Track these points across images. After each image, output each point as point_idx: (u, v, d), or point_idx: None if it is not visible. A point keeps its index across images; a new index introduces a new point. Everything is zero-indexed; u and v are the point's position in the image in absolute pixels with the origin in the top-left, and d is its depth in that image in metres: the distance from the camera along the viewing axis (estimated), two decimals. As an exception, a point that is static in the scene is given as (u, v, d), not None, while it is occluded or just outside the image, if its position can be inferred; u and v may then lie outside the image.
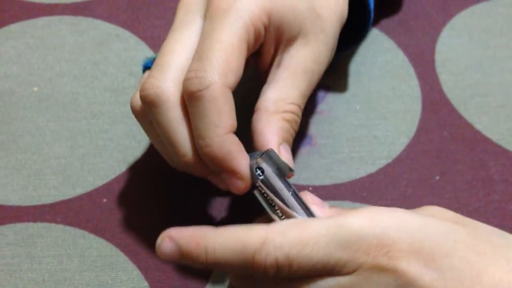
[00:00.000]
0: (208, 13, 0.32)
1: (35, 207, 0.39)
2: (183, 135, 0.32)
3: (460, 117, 0.44)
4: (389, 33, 0.48)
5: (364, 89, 0.45)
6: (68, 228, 0.38)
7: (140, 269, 0.37)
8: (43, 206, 0.39)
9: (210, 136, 0.30)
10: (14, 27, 0.48)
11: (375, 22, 0.49)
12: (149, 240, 0.38)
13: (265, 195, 0.31)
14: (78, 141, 0.42)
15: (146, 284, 0.36)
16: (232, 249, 0.28)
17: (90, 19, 0.49)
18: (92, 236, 0.38)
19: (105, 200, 0.40)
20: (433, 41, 0.48)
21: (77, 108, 0.44)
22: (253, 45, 0.33)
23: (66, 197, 0.40)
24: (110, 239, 0.38)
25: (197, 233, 0.29)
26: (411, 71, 0.46)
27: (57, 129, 0.43)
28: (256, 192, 0.31)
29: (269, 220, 0.31)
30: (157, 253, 0.29)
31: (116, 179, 0.41)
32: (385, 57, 0.47)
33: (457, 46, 0.48)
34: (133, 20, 0.49)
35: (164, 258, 0.29)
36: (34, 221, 0.39)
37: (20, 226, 0.38)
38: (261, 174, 0.31)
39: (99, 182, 0.40)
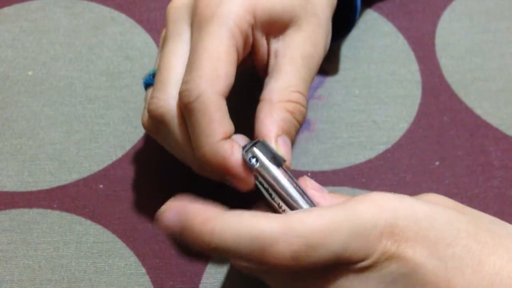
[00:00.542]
0: (194, 23, 0.33)
1: (30, 193, 0.39)
2: (188, 149, 0.33)
3: (460, 102, 0.43)
4: (388, 16, 0.48)
5: (363, 74, 0.45)
6: (64, 214, 0.38)
7: (137, 255, 0.37)
8: (39, 192, 0.39)
9: (203, 145, 0.31)
10: (8, 10, 0.48)
11: (375, 6, 0.48)
12: (146, 226, 0.38)
13: (262, 183, 0.31)
14: (74, 126, 0.42)
15: (143, 270, 0.36)
16: (245, 235, 0.27)
17: (85, 2, 0.48)
18: (88, 222, 0.38)
19: (101, 186, 0.39)
20: (434, 24, 0.47)
21: (72, 92, 0.43)
22: (244, 46, 0.33)
23: (62, 183, 0.39)
24: (106, 225, 0.38)
25: (206, 211, 0.28)
26: (411, 55, 0.46)
27: (52, 114, 0.42)
28: (256, 182, 0.31)
29: (269, 208, 0.31)
30: (157, 221, 0.29)
31: (113, 165, 0.40)
32: (385, 41, 0.46)
33: (457, 30, 0.47)
34: (129, 3, 0.48)
35: (162, 229, 0.28)
36: (30, 207, 0.38)
37: (15, 212, 0.38)
38: (255, 163, 0.31)
39: (96, 167, 0.40)
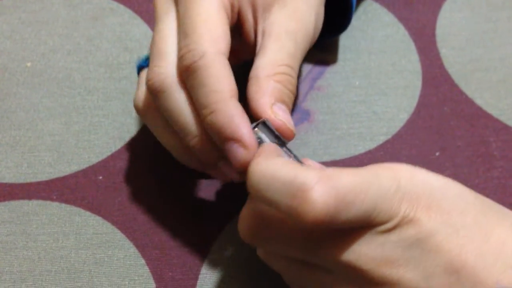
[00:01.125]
0: None
1: (30, 184, 0.39)
2: (190, 116, 0.32)
3: (460, 92, 0.43)
4: (389, 7, 0.47)
5: (363, 64, 0.44)
6: (63, 205, 0.38)
7: (137, 246, 0.37)
8: (38, 183, 0.39)
9: (212, 102, 0.30)
10: (7, 2, 0.47)
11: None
12: (145, 217, 0.37)
13: None
14: (73, 117, 0.42)
15: (143, 261, 0.36)
16: (279, 177, 0.26)
17: (83, -7, 0.48)
18: (88, 213, 0.38)
19: (101, 177, 0.39)
20: (434, 15, 0.47)
21: (71, 84, 0.43)
22: (231, 14, 0.33)
23: (61, 174, 0.39)
24: (106, 216, 0.38)
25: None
26: (411, 45, 0.45)
27: (51, 105, 0.42)
28: None
29: None
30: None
31: (112, 156, 0.40)
32: (385, 31, 0.46)
33: (458, 20, 0.47)
34: (127, -7, 0.48)
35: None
36: (29, 198, 0.38)
37: (15, 203, 0.38)
38: (259, 144, 0.30)
39: (95, 159, 0.40)
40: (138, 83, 0.36)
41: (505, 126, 0.42)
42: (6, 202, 0.38)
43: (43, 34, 0.46)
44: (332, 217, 0.26)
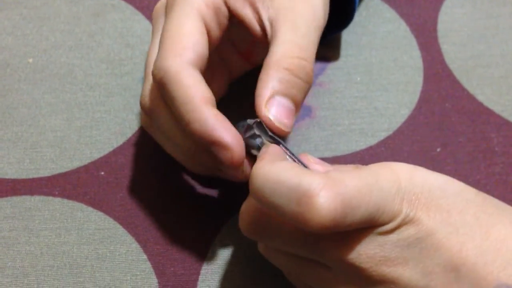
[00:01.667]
0: (166, 13, 0.34)
1: (32, 180, 0.39)
2: (178, 130, 0.33)
3: (462, 88, 0.43)
4: (390, 2, 0.47)
5: (365, 60, 0.44)
6: (66, 201, 0.38)
7: (139, 242, 0.37)
8: (40, 179, 0.39)
9: (185, 114, 0.30)
10: (8, -3, 0.47)
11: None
12: (147, 212, 0.38)
13: None
14: (75, 113, 0.42)
15: (145, 257, 0.36)
16: (284, 181, 0.26)
17: (85, -11, 0.48)
18: (90, 209, 0.38)
19: (102, 173, 0.39)
20: (436, 10, 0.47)
21: (73, 80, 0.43)
22: (217, 20, 0.33)
23: (63, 170, 0.39)
24: (108, 212, 0.38)
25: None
26: (413, 41, 0.45)
27: (53, 101, 0.42)
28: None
29: None
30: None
31: (114, 152, 0.40)
32: (387, 27, 0.46)
33: (460, 16, 0.47)
34: (129, -11, 0.48)
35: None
36: (32, 194, 0.38)
37: (17, 199, 0.38)
38: (256, 142, 0.30)
39: (97, 155, 0.40)
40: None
41: (507, 122, 0.42)
42: (9, 198, 0.38)
43: (45, 30, 0.46)
44: (338, 222, 0.26)
